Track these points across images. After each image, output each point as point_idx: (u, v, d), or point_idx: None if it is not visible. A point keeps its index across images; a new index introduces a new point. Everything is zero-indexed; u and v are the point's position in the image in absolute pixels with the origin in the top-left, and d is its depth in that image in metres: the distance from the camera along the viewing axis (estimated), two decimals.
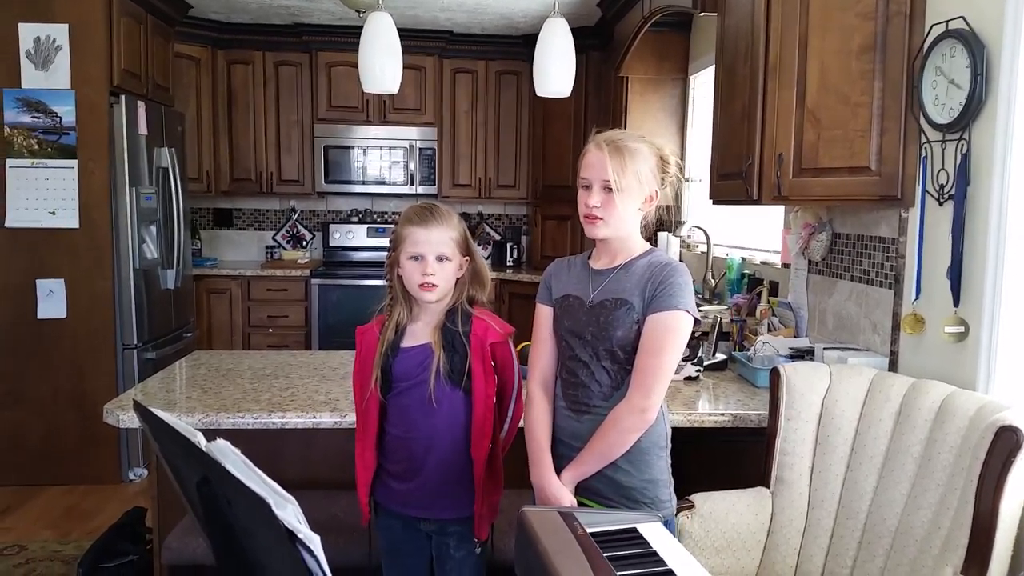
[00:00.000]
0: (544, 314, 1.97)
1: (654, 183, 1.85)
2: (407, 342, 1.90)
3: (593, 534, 1.42)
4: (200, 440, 0.97)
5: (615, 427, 1.78)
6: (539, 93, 3.29)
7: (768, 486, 2.25)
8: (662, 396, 1.79)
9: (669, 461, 1.91)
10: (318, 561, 0.76)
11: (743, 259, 3.85)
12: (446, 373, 1.85)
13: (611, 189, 1.80)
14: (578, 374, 1.86)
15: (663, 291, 1.77)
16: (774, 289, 3.42)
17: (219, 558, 0.99)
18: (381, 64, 2.97)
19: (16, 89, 3.98)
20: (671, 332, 1.77)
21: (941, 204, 2.23)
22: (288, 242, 6.29)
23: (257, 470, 0.86)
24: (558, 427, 1.91)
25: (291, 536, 0.76)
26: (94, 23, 4.02)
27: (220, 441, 0.93)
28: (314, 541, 0.76)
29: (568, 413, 1.88)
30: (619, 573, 1.27)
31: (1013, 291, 2.06)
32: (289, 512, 0.77)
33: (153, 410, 1.04)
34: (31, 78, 3.99)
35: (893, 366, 2.48)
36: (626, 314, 1.80)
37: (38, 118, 4.00)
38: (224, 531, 0.95)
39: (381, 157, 5.86)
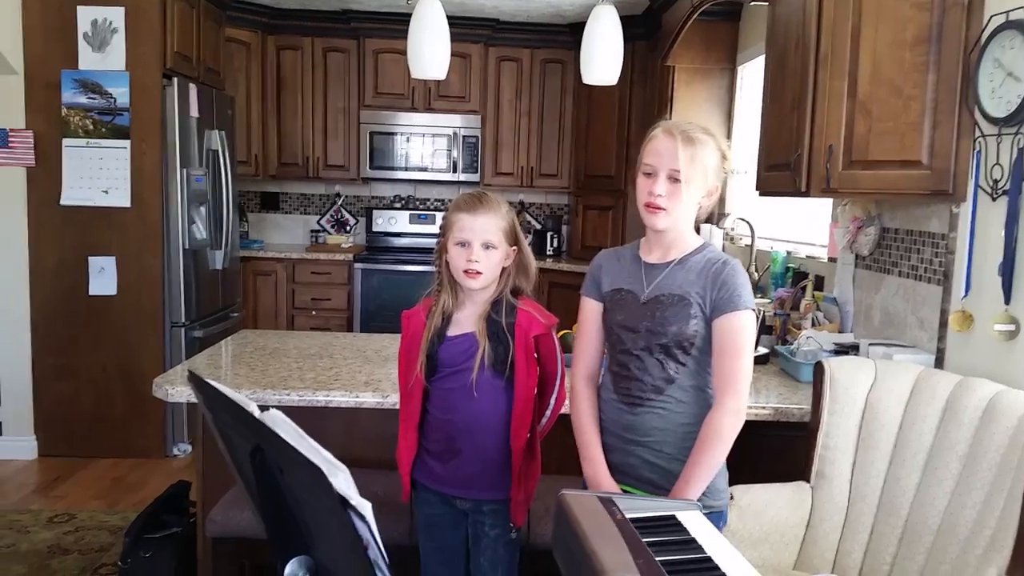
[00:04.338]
0: (591, 308, 1.94)
1: (715, 178, 1.82)
2: (452, 331, 1.92)
3: (632, 519, 1.43)
4: (254, 410, 0.99)
5: (717, 436, 1.74)
6: (585, 81, 3.29)
7: (808, 480, 2.23)
8: (748, 393, 1.79)
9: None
10: (370, 527, 0.78)
11: (788, 252, 3.81)
12: (490, 363, 1.87)
13: (678, 180, 1.75)
14: (630, 367, 1.84)
15: (728, 292, 1.76)
16: (819, 283, 3.37)
17: (269, 526, 1.02)
18: (430, 50, 2.99)
19: (74, 71, 4.09)
20: (743, 332, 1.76)
21: (994, 199, 2.19)
22: (332, 226, 6.37)
23: (310, 439, 0.88)
24: (609, 419, 1.89)
25: (343, 503, 0.79)
26: (148, 6, 4.10)
27: (273, 411, 0.96)
28: (366, 508, 0.78)
29: (621, 406, 1.86)
30: (658, 558, 1.27)
31: None
32: (341, 480, 0.79)
33: (208, 380, 1.07)
34: (88, 60, 4.09)
35: (939, 363, 2.44)
36: (682, 310, 1.78)
37: (94, 99, 4.10)
38: (276, 499, 0.97)
39: (425, 144, 5.89)
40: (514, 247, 1.93)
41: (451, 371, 1.90)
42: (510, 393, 1.90)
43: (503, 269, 1.92)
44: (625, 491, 1.84)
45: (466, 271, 1.86)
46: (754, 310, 1.79)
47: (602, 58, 3.13)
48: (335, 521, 0.81)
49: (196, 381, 1.11)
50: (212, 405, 1.12)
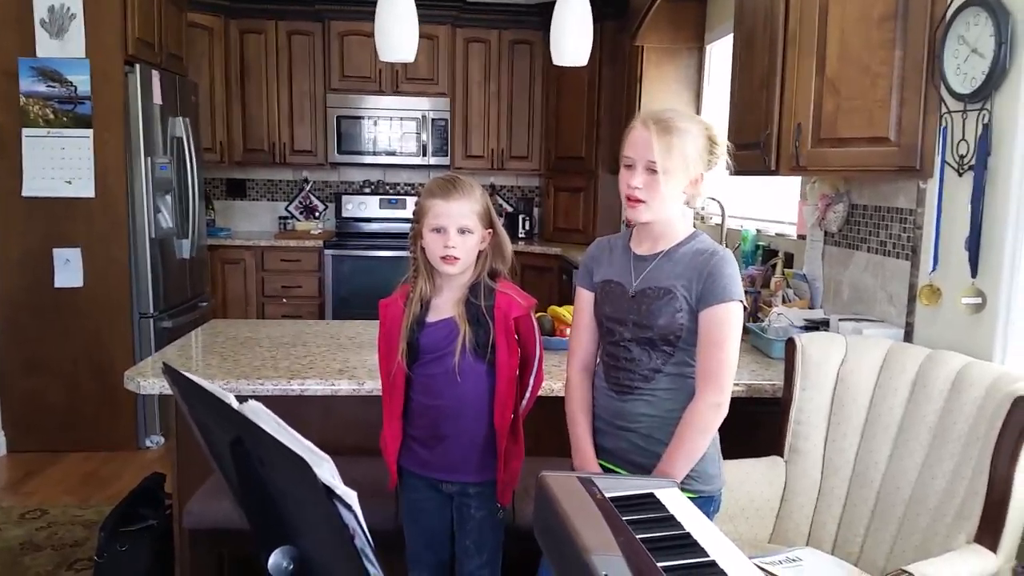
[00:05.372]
0: (585, 298, 1.93)
1: (700, 165, 1.77)
2: (431, 316, 1.91)
3: (611, 498, 1.44)
4: (232, 401, 0.98)
5: (696, 428, 1.73)
6: (556, 62, 3.27)
7: (782, 455, 2.26)
8: (731, 385, 1.76)
9: (717, 436, 1.85)
10: (356, 516, 0.78)
11: (758, 231, 3.84)
12: (472, 347, 1.87)
13: (655, 171, 1.72)
14: (619, 357, 1.84)
15: (714, 283, 1.73)
16: (789, 260, 3.41)
17: (252, 518, 1.01)
18: (398, 32, 2.96)
19: (31, 58, 3.98)
20: (728, 324, 1.73)
21: (960, 175, 2.22)
22: (301, 213, 6.30)
23: (290, 429, 0.88)
24: (600, 406, 1.89)
25: (328, 493, 0.78)
26: None
27: (252, 402, 0.95)
28: (351, 497, 0.78)
29: (611, 393, 1.86)
30: (638, 535, 1.28)
31: None
32: (325, 470, 0.79)
33: (184, 372, 1.06)
34: (46, 47, 3.99)
35: (909, 337, 2.48)
36: (669, 303, 1.76)
37: (53, 87, 4.01)
38: (258, 491, 0.97)
39: (393, 128, 5.84)
40: (489, 230, 1.92)
41: (432, 357, 1.90)
42: (492, 376, 1.90)
43: (479, 252, 1.92)
44: (616, 472, 1.85)
45: (443, 257, 1.85)
46: (742, 302, 1.75)
47: (572, 40, 3.12)
48: (320, 511, 0.80)
49: (172, 374, 1.10)
50: (189, 397, 1.10)
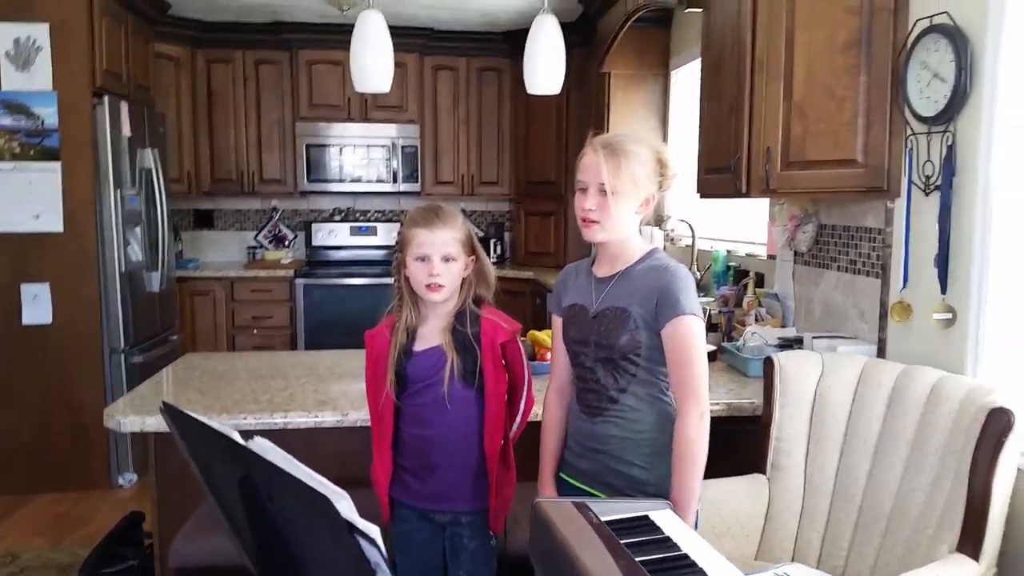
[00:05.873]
0: (557, 323, 1.99)
1: (651, 185, 1.84)
2: (418, 345, 1.92)
3: (607, 522, 1.46)
4: (237, 439, 0.98)
5: (689, 445, 1.75)
6: (529, 91, 3.32)
7: (764, 472, 2.30)
8: (707, 394, 1.79)
9: None
10: (380, 550, 0.79)
11: (728, 251, 3.91)
12: (460, 375, 1.88)
13: (607, 192, 1.79)
14: (587, 379, 1.89)
15: (667, 298, 1.77)
16: (760, 280, 3.47)
17: (257, 556, 1.01)
18: (373, 63, 2.98)
19: None
20: (689, 337, 1.76)
21: (927, 194, 2.29)
22: (270, 242, 6.26)
23: (301, 465, 0.88)
24: (574, 428, 1.95)
25: (350, 528, 0.79)
26: (75, 23, 3.97)
27: (259, 439, 0.95)
28: (374, 531, 0.79)
29: (583, 416, 1.91)
30: (637, 558, 1.30)
31: (999, 276, 2.13)
32: (344, 505, 0.79)
33: (186, 410, 1.06)
34: (11, 80, 3.94)
35: (881, 353, 2.54)
36: (624, 323, 1.81)
37: (20, 120, 3.96)
38: (265, 528, 0.96)
39: (363, 155, 5.85)
40: (472, 256, 1.95)
41: (421, 386, 1.90)
42: (481, 403, 1.92)
43: (463, 279, 1.94)
44: (592, 496, 1.87)
45: (428, 286, 1.87)
46: (697, 314, 1.78)
47: (546, 68, 3.17)
48: (341, 547, 0.81)
49: (171, 411, 1.09)
50: (188, 435, 1.10)
